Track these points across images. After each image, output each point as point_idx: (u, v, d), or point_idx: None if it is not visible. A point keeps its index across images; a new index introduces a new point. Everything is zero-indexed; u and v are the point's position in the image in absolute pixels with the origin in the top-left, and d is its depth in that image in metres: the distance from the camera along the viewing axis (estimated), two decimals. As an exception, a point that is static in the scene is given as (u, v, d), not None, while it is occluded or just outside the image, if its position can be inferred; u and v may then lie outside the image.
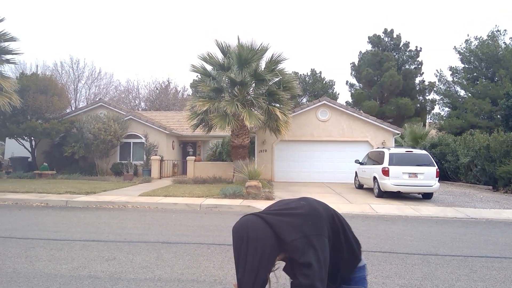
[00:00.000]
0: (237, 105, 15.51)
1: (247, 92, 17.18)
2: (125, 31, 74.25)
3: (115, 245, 6.31)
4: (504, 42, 29.08)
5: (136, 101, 43.55)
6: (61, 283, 4.50)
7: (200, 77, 18.04)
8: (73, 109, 29.58)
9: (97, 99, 29.57)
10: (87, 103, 33.71)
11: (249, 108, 16.31)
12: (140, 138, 21.31)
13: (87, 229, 7.70)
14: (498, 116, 24.24)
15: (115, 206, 10.90)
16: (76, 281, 4.57)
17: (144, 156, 20.73)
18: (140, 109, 40.92)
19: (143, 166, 20.32)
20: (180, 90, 44.84)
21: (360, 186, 16.06)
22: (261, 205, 10.95)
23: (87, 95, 38.79)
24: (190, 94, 36.92)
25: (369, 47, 36.38)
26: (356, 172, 16.52)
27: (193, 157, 20.48)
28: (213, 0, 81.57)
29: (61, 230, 7.57)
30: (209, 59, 17.01)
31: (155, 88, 43.52)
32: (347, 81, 38.49)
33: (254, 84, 17.25)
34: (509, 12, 65.01)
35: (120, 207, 10.81)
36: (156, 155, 20.65)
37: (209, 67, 17.49)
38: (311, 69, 44.39)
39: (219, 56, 17.17)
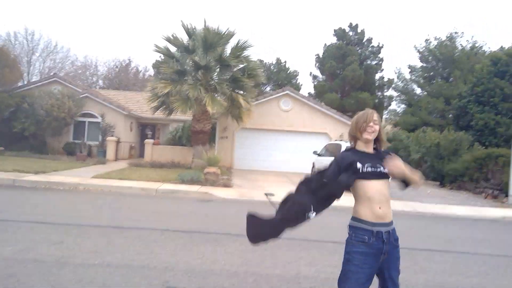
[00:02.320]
0: (200, 89, 15.29)
1: (211, 77, 16.96)
2: (86, 4, 70.59)
3: (63, 228, 6.08)
4: (461, 44, 30.49)
5: (93, 79, 41.80)
6: (4, 266, 4.29)
7: (163, 58, 17.58)
8: (25, 82, 27.87)
9: (52, 74, 28.06)
10: (40, 77, 31.88)
11: (212, 93, 16.13)
12: (96, 117, 20.53)
13: (34, 211, 7.37)
14: (450, 115, 25.50)
15: (65, 188, 10.48)
16: (20, 264, 4.37)
17: (100, 137, 20.01)
18: (97, 87, 39.31)
19: (98, 147, 19.62)
20: (141, 70, 43.54)
21: (317, 177, 16.39)
22: (219, 192, 10.95)
23: (41, 68, 36.66)
24: (152, 75, 35.92)
25: (334, 40, 36.86)
26: (313, 163, 16.85)
27: (152, 140, 20.06)
28: None
29: (6, 210, 7.20)
30: (173, 40, 16.58)
31: (114, 66, 41.96)
32: (311, 73, 39.02)
33: (218, 69, 17.06)
34: (466, 16, 68.18)
35: (71, 189, 10.41)
36: (112, 136, 20.00)
37: (173, 49, 17.06)
38: (277, 58, 44.50)
39: (184, 38, 16.79)
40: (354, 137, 2.75)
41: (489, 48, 30.37)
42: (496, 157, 14.61)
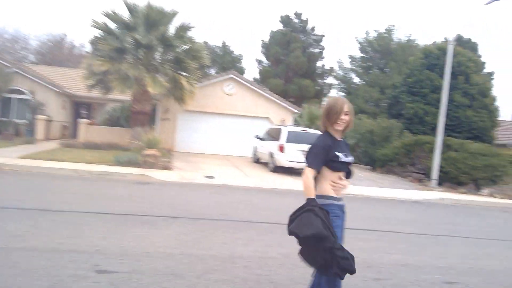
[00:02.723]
0: (140, 68, 14.72)
1: (153, 57, 16.36)
2: (14, -31, 64.29)
3: (-17, 212, 5.64)
4: (397, 37, 32.15)
5: (24, 53, 38.54)
6: None
7: (101, 34, 16.56)
8: None
9: (-27, 45, 25.44)
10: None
11: (154, 73, 15.59)
12: (26, 94, 19.03)
13: (-51, 193, 6.74)
14: (384, 104, 26.97)
15: (-12, 168, 9.68)
16: None
17: (29, 115, 18.61)
18: (28, 62, 36.36)
19: (26, 126, 18.25)
20: (77, 46, 40.88)
21: (257, 160, 16.67)
22: (158, 174, 10.74)
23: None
24: (89, 52, 33.89)
25: (280, 26, 37.15)
26: (255, 147, 17.06)
27: (87, 120, 19.03)
28: None
29: None
30: (113, 16, 15.67)
31: (47, 41, 38.95)
32: (256, 58, 39.04)
33: (161, 49, 16.48)
34: (404, 11, 71.77)
35: (-5, 170, 9.64)
36: (43, 114, 18.69)
37: (112, 25, 16.13)
38: (222, 41, 43.99)
39: (125, 14, 15.93)
40: (325, 125, 2.90)
41: (422, 41, 32.39)
42: (423, 144, 15.76)
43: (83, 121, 18.60)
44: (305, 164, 2.81)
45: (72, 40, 41.67)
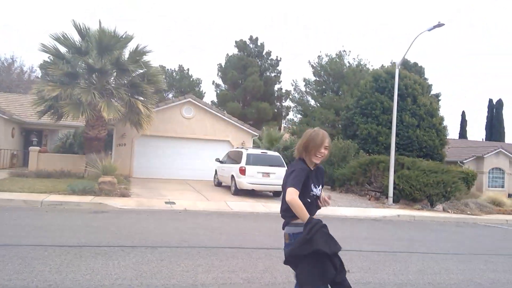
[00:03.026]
0: (94, 93, 14.32)
1: (107, 81, 16.02)
2: (-43, -9, 61.40)
3: None
4: (348, 62, 33.62)
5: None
6: None
7: (52, 58, 16.03)
8: None
9: None
10: None
11: (109, 98, 15.21)
12: (-31, 122, 17.90)
13: None
14: (339, 125, 27.88)
15: None
16: None
17: (-26, 144, 17.48)
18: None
19: (-30, 156, 17.10)
20: (26, 71, 39.27)
21: (219, 184, 16.55)
22: (115, 202, 10.36)
23: None
24: (39, 77, 32.61)
25: (235, 51, 37.79)
26: (216, 170, 16.96)
27: (38, 148, 18.10)
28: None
29: None
30: (63, 40, 15.23)
31: (-6, 65, 37.13)
32: (213, 81, 39.31)
33: (115, 74, 16.20)
34: (354, 36, 75.55)
35: None
36: (-11, 143, 17.62)
37: (63, 49, 15.66)
38: (179, 65, 43.97)
39: (76, 38, 15.55)
40: (301, 154, 2.87)
41: (372, 66, 34.03)
42: (378, 163, 16.37)
43: (33, 148, 17.67)
44: (287, 185, 2.71)
45: (21, 64, 39.88)
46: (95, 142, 15.67)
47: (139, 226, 7.99)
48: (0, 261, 4.88)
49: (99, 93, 14.68)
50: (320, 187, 2.94)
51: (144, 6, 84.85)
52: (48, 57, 15.83)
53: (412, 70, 28.40)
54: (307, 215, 2.65)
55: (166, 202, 11.09)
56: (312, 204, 2.87)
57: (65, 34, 15.21)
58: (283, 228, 2.94)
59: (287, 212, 2.80)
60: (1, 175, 15.03)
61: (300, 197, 2.66)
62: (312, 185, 2.82)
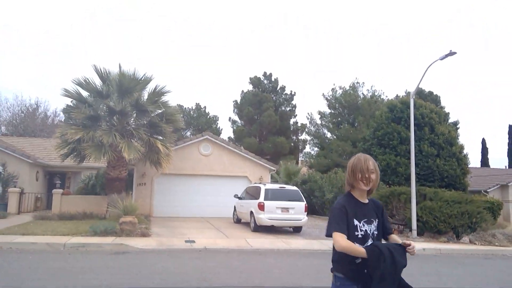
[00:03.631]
0: (115, 135, 14.75)
1: (127, 122, 16.52)
2: (-13, 44, 65.43)
3: None
4: (362, 93, 33.84)
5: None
6: None
7: (74, 103, 16.72)
8: None
9: None
10: None
11: (129, 139, 15.63)
12: (-4, 167, 18.56)
13: None
14: (357, 157, 27.62)
15: (-47, 248, 9.16)
16: None
17: (0, 188, 18.02)
18: (-1, 133, 35.84)
19: (-3, 200, 17.60)
20: (50, 115, 40.77)
21: (238, 221, 16.46)
22: (136, 242, 10.42)
23: None
24: (62, 121, 33.82)
25: (250, 87, 38.59)
26: (234, 206, 16.93)
27: (61, 190, 18.52)
28: (92, 24, 76.55)
29: None
30: (85, 84, 15.93)
31: (20, 111, 38.78)
32: (229, 118, 39.93)
33: (135, 115, 16.70)
34: (367, 67, 76.26)
35: (-39, 249, 9.13)
36: (15, 187, 18.14)
37: (85, 93, 16.34)
38: (196, 103, 45.00)
39: (97, 82, 16.22)
40: (350, 184, 2.63)
41: (386, 96, 34.13)
42: (399, 195, 16.05)
43: (57, 191, 18.11)
44: (328, 232, 2.51)
45: (45, 109, 41.48)
46: (117, 182, 15.97)
47: (160, 266, 8.00)
48: (25, 305, 4.96)
49: (120, 134, 15.12)
50: (375, 222, 2.62)
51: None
52: (71, 101, 16.51)
53: (427, 99, 28.34)
54: (362, 249, 2.40)
55: (186, 241, 11.08)
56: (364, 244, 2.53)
57: (87, 78, 15.92)
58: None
59: (336, 264, 2.58)
60: (26, 218, 15.37)
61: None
62: (358, 222, 2.53)
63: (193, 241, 11.08)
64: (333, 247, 2.53)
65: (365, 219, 2.56)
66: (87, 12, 69.99)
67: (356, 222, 2.52)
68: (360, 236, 2.51)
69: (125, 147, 14.70)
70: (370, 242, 2.53)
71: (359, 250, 2.40)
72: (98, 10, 73.37)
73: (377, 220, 2.63)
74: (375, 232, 2.59)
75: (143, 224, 13.81)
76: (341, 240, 2.41)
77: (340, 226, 2.45)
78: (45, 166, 21.69)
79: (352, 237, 2.48)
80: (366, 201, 2.64)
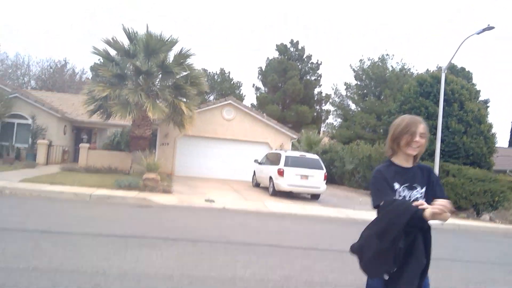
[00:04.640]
0: (140, 94, 14.94)
1: (153, 83, 16.66)
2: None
3: (-16, 233, 5.65)
4: (391, 66, 32.81)
5: (25, 79, 39.07)
6: None
7: (102, 61, 16.94)
8: None
9: (-24, 71, 25.80)
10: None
11: (154, 99, 15.83)
12: (27, 119, 19.19)
13: (-51, 215, 6.75)
14: (381, 130, 27.24)
15: (-12, 192, 9.70)
16: None
17: (30, 140, 18.72)
18: (29, 87, 36.80)
19: (27, 150, 18.32)
20: (78, 72, 41.51)
21: (257, 185, 16.70)
22: (158, 198, 10.76)
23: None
24: (89, 78, 34.35)
25: (276, 54, 37.94)
26: (254, 171, 17.13)
27: (87, 144, 19.12)
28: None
29: None
30: (113, 43, 16.05)
31: (49, 67, 39.56)
32: (253, 84, 39.65)
33: (160, 75, 16.81)
34: (397, 40, 73.56)
35: (-5, 193, 9.66)
36: (44, 139, 18.80)
37: (113, 52, 16.52)
38: (221, 68, 44.74)
39: (125, 42, 16.32)
40: (393, 149, 2.39)
41: (416, 70, 33.02)
42: (421, 170, 15.86)
43: (84, 145, 18.71)
44: (376, 203, 2.28)
45: (73, 66, 42.22)
46: (141, 140, 16.33)
47: (181, 221, 8.27)
48: (53, 247, 5.25)
49: (145, 94, 15.30)
50: (420, 188, 2.33)
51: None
52: (99, 60, 16.73)
53: (459, 75, 27.23)
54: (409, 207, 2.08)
55: (206, 200, 11.36)
56: None
57: (115, 37, 16.04)
58: None
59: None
60: (53, 169, 16.02)
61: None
62: (398, 185, 2.29)
63: (213, 201, 11.35)
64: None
65: (407, 184, 2.31)
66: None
67: (396, 186, 2.30)
68: (401, 195, 2.30)
69: (150, 107, 14.91)
70: None
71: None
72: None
73: (423, 187, 2.34)
74: (419, 199, 2.29)
75: (165, 181, 14.19)
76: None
77: (385, 193, 2.24)
78: (72, 121, 22.29)
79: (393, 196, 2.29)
80: (410, 165, 2.38)
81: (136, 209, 9.32)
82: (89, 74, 38.36)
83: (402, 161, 2.37)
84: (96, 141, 23.95)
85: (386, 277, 2.15)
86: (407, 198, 2.28)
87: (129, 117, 15.64)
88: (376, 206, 2.26)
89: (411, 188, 2.32)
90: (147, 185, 12.00)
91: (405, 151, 2.34)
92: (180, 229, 7.31)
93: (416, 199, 2.27)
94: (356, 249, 2.35)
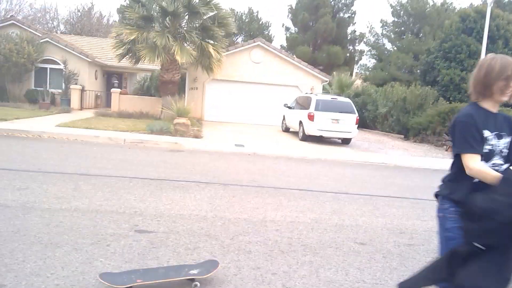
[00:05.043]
0: (168, 37, 14.69)
1: (180, 25, 16.29)
2: None
3: (28, 175, 5.95)
4: (432, 0, 30.49)
5: (54, 23, 39.25)
6: (-36, 212, 4.19)
7: (128, 2, 16.57)
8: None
9: (9, 16, 26.05)
10: (-5, 20, 29.54)
11: (181, 42, 15.56)
12: (58, 64, 19.49)
13: (-5, 158, 7.13)
14: (418, 71, 25.98)
15: (29, 135, 10.13)
16: (-18, 210, 4.28)
17: (63, 85, 19.16)
18: (58, 32, 37.00)
19: (61, 95, 18.82)
20: (105, 15, 41.30)
21: (286, 129, 16.62)
22: (189, 142, 10.93)
23: (-5, 10, 33.95)
24: (117, 21, 34.04)
25: (308, -10, 35.86)
26: (284, 115, 16.97)
27: (119, 90, 19.42)
28: None
29: (-37, 158, 6.92)
30: (139, -17, 15.59)
31: (76, 10, 39.39)
32: (283, 24, 38.23)
33: (187, 17, 16.36)
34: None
35: (35, 137, 10.08)
36: (76, 84, 19.18)
37: (138, -8, 16.08)
38: (249, 7, 43.17)
39: (151, -19, 15.80)
40: (481, 93, 2.14)
41: (459, 4, 30.59)
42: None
43: (115, 90, 19.02)
44: (455, 151, 2.12)
45: (100, 9, 41.87)
46: (170, 85, 16.35)
47: (212, 165, 8.41)
48: (92, 189, 5.48)
49: (173, 36, 15.03)
50: (506, 137, 2.14)
51: None
52: (125, 1, 16.37)
53: (506, 9, 25.01)
54: (495, 175, 1.97)
55: (235, 145, 11.45)
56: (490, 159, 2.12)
57: (140, -23, 15.50)
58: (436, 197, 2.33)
59: (446, 185, 2.24)
60: (88, 114, 16.49)
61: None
62: (489, 133, 2.08)
63: (242, 145, 11.42)
64: (451, 167, 2.20)
65: (496, 132, 2.10)
66: None
67: (487, 133, 2.07)
68: (487, 150, 2.08)
69: (178, 50, 14.71)
70: (496, 159, 2.10)
71: (492, 175, 1.97)
72: None
73: (509, 136, 2.15)
74: (504, 150, 2.12)
75: (195, 126, 14.33)
76: (475, 163, 2.01)
77: (472, 144, 2.03)
78: (103, 65, 22.48)
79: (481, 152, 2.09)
80: (496, 111, 2.16)
81: (168, 153, 9.52)
82: (116, 17, 38.04)
83: (490, 106, 2.14)
84: (127, 86, 24.25)
85: (482, 247, 1.94)
86: (494, 148, 2.09)
87: (158, 61, 15.55)
88: (457, 153, 2.11)
89: (499, 136, 2.12)
90: (178, 130, 12.17)
91: (498, 98, 2.10)
92: (211, 173, 7.45)
93: (503, 150, 2.11)
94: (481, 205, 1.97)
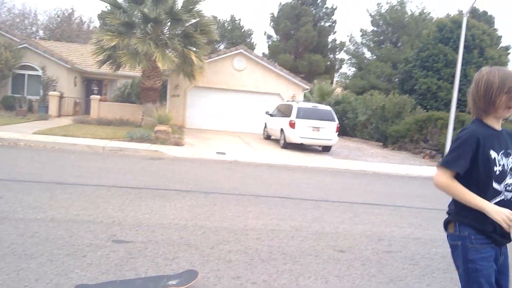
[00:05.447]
0: (149, 43, 14.60)
1: (162, 31, 16.22)
2: None
3: (3, 184, 5.79)
4: (410, 10, 31.33)
5: (33, 28, 38.45)
6: None
7: (109, 8, 16.43)
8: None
9: (-17, 21, 25.39)
10: (-30, 24, 28.74)
11: (163, 48, 15.48)
12: (37, 70, 19.10)
13: (-33, 167, 6.91)
14: (396, 79, 26.56)
15: (4, 143, 9.86)
16: (-48, 221, 4.14)
17: (41, 91, 18.76)
18: (37, 37, 36.27)
19: (39, 102, 18.41)
20: (85, 21, 40.59)
21: (268, 137, 16.68)
22: (170, 150, 10.84)
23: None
24: (97, 27, 33.63)
25: (289, -1, 36.32)
26: (265, 123, 17.03)
27: (98, 96, 19.13)
28: None
29: None
30: (120, -12, 15.50)
31: (56, 16, 38.73)
32: (265, 32, 38.55)
33: (169, 23, 16.31)
34: (417, -17, 69.47)
35: (11, 145, 9.83)
36: (55, 90, 18.82)
37: (119, -1, 15.98)
38: (231, 15, 43.38)
39: (132, -13, 15.71)
40: (483, 110, 2.00)
41: (436, 14, 31.52)
42: (436, 120, 15.57)
43: (94, 97, 18.73)
44: (440, 164, 2.02)
45: (80, 14, 41.32)
46: (151, 92, 16.22)
47: (193, 173, 8.36)
48: (69, 198, 5.37)
49: (154, 43, 14.95)
50: None
51: None
52: (106, 7, 16.22)
53: (481, 19, 25.92)
54: (479, 201, 1.89)
55: (217, 152, 11.42)
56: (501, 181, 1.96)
57: (122, -17, 15.41)
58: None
59: (453, 210, 2.09)
60: (66, 121, 16.17)
61: (469, 178, 1.95)
62: (496, 154, 1.95)
63: (224, 153, 11.41)
64: None
65: (503, 151, 1.97)
66: None
67: (493, 154, 1.94)
68: (498, 172, 1.93)
69: (160, 57, 14.63)
70: (508, 179, 1.96)
71: (469, 199, 1.91)
72: None
73: None
74: None
75: (177, 134, 14.24)
76: (442, 177, 1.96)
77: (454, 162, 1.94)
78: (82, 72, 22.13)
79: (488, 175, 1.94)
80: (500, 128, 2.03)
81: (148, 161, 9.43)
82: (97, 23, 37.53)
83: (494, 123, 2.01)
84: (107, 93, 23.91)
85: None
86: (505, 167, 1.96)
87: (139, 67, 15.44)
88: (439, 166, 2.03)
89: (507, 155, 1.99)
90: (158, 137, 12.06)
91: (502, 113, 1.96)
92: (192, 181, 7.40)
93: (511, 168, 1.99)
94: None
